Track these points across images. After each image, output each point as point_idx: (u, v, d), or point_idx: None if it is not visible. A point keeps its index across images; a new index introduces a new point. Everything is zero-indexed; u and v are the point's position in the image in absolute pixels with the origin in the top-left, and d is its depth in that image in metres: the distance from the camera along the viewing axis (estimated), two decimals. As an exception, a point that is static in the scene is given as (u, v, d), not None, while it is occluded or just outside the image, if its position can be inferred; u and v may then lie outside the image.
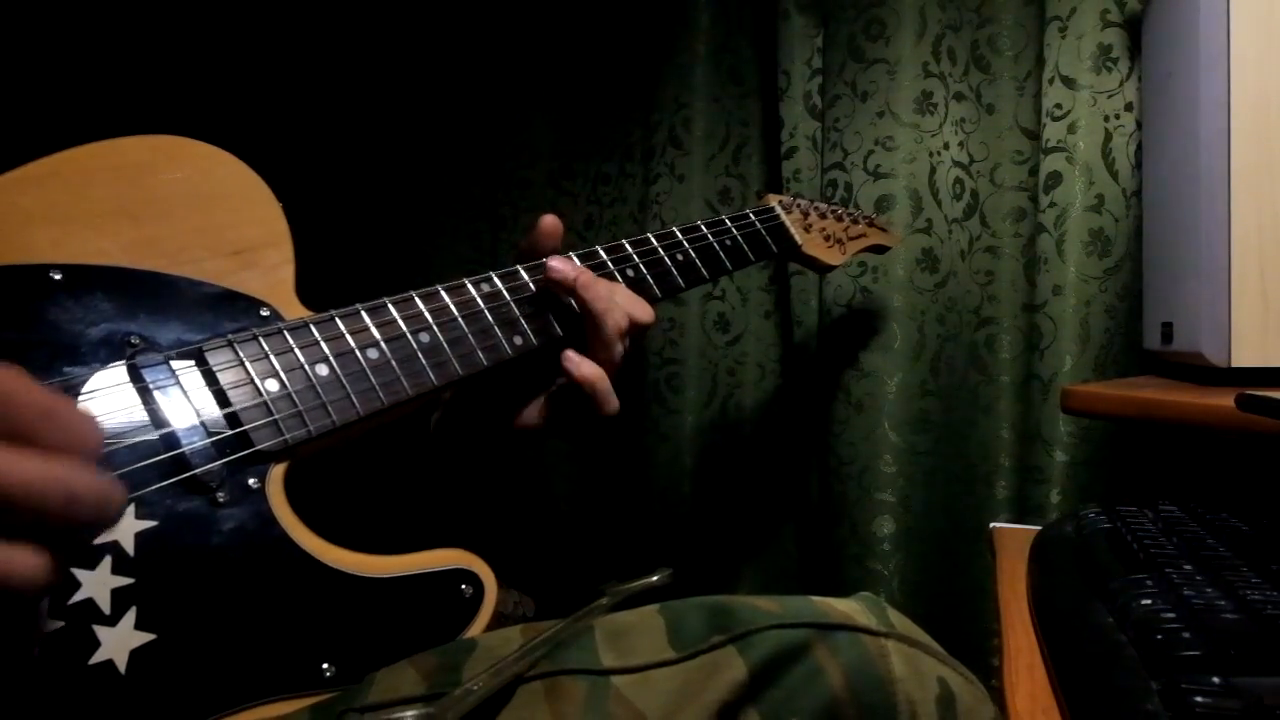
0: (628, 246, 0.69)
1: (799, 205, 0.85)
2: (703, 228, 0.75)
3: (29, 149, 0.50)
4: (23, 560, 0.29)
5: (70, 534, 0.31)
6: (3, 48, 1.00)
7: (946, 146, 1.07)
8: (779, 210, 0.82)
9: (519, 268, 0.63)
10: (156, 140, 0.53)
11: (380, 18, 1.38)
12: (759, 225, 0.79)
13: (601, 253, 0.68)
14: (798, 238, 0.83)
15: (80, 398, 0.45)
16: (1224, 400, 0.57)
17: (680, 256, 0.71)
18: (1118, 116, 0.99)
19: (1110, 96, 0.99)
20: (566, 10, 1.32)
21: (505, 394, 0.66)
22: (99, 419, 0.33)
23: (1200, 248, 0.69)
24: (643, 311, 0.64)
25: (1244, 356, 0.65)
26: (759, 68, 1.21)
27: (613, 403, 0.62)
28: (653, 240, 0.71)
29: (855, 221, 0.91)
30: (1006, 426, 1.07)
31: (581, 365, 0.61)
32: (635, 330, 0.63)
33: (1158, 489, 0.94)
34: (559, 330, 0.63)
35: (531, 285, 0.63)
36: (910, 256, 1.06)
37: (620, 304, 0.62)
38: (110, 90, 1.02)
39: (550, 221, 0.66)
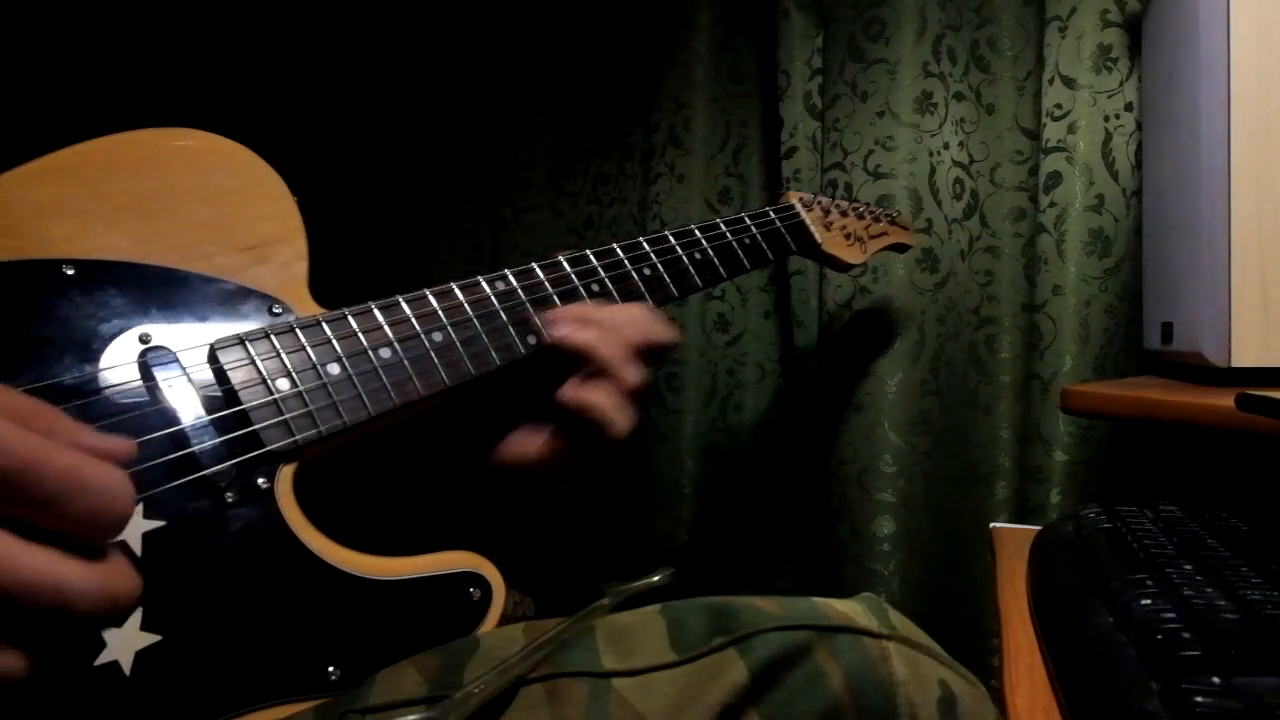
0: (645, 245, 0.68)
1: (820, 203, 0.84)
2: (722, 225, 0.73)
3: (44, 142, 0.49)
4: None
5: (64, 634, 0.30)
6: (18, 42, 0.99)
7: (946, 146, 1.07)
8: (799, 208, 0.81)
9: (534, 265, 0.62)
10: (171, 133, 0.53)
11: (381, 17, 1.38)
12: (779, 223, 0.78)
13: (619, 251, 0.67)
14: (818, 236, 0.82)
15: (92, 396, 0.45)
16: (1224, 400, 0.57)
17: (698, 255, 0.70)
18: (1118, 116, 0.99)
19: (1110, 96, 0.99)
20: (566, 10, 1.32)
21: (481, 423, 0.63)
22: (128, 483, 0.32)
23: (1200, 248, 0.69)
24: (655, 333, 0.60)
25: (1244, 356, 0.65)
26: (759, 68, 1.21)
27: (619, 425, 0.57)
28: (670, 239, 0.70)
29: (876, 220, 0.90)
30: (1006, 426, 1.07)
31: (580, 390, 0.57)
32: (648, 351, 0.59)
33: (1158, 489, 0.94)
34: None
35: (547, 284, 0.62)
36: (910, 256, 1.06)
37: (621, 333, 0.59)
38: (122, 85, 1.02)
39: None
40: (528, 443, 0.60)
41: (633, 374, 0.58)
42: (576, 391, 0.57)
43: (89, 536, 0.31)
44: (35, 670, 0.29)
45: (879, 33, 1.07)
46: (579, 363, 0.58)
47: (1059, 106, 1.01)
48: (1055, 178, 1.01)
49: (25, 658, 0.29)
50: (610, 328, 0.59)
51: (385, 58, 1.38)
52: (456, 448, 0.63)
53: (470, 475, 0.63)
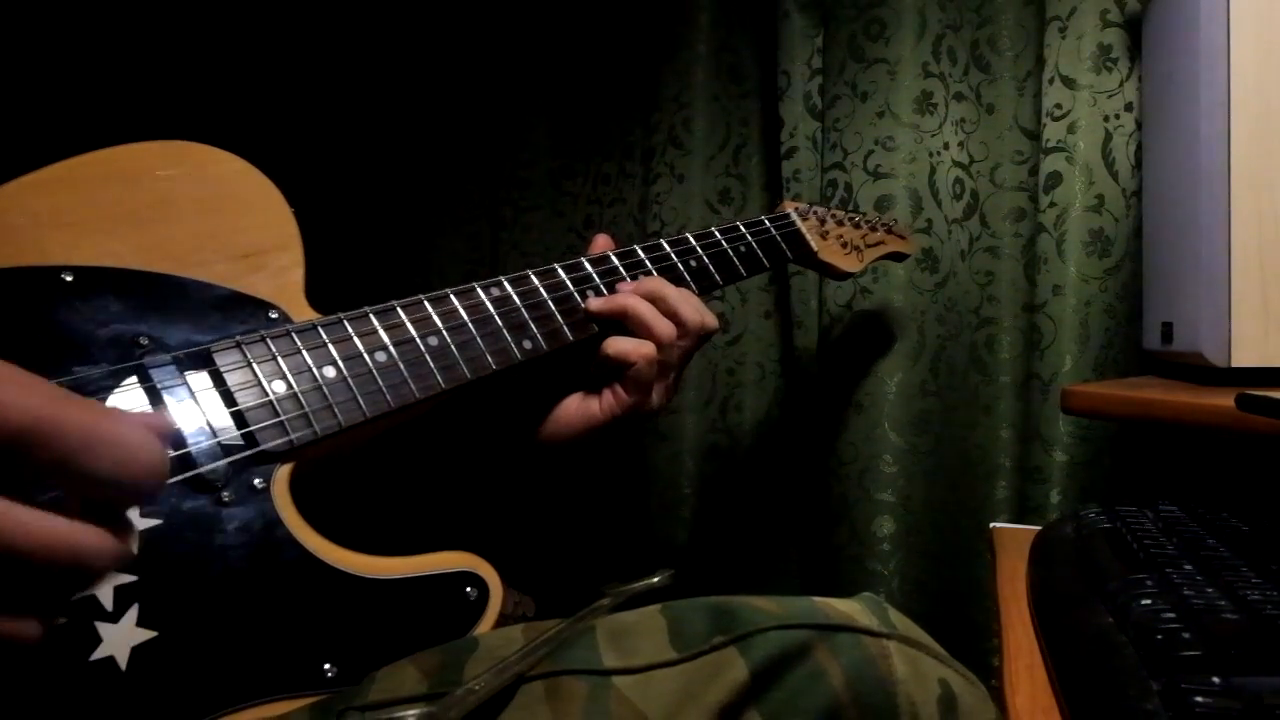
0: (640, 252, 0.69)
1: (815, 212, 0.85)
2: (717, 234, 0.74)
3: (42, 155, 0.50)
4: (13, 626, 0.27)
5: (71, 590, 0.29)
6: (15, 55, 1.00)
7: (946, 146, 1.07)
8: (795, 217, 0.82)
9: (529, 272, 0.63)
10: (168, 146, 0.54)
11: (381, 19, 1.38)
12: (774, 232, 0.79)
13: (614, 258, 0.68)
14: (814, 244, 0.82)
15: (90, 398, 0.45)
16: (1224, 400, 0.57)
17: (694, 263, 0.71)
18: (1118, 116, 0.99)
19: (1110, 96, 0.99)
20: (566, 10, 1.32)
21: (525, 406, 0.67)
22: (154, 439, 0.30)
23: (1200, 248, 0.69)
24: (703, 319, 0.67)
25: (1244, 356, 0.65)
26: (759, 68, 1.21)
27: (656, 388, 0.65)
28: (665, 246, 0.70)
29: (874, 229, 0.90)
30: (1006, 426, 1.07)
31: (622, 344, 0.64)
32: (691, 336, 0.66)
33: (1158, 489, 0.94)
34: (569, 336, 0.63)
35: (541, 290, 0.63)
36: (910, 257, 1.06)
37: (674, 312, 0.66)
38: (121, 97, 1.03)
39: (602, 241, 0.71)
40: (569, 412, 0.67)
41: (674, 348, 0.65)
42: (619, 345, 0.64)
43: (111, 499, 0.30)
44: (47, 635, 0.28)
45: (879, 33, 1.07)
46: (628, 328, 0.65)
47: (1059, 106, 1.01)
48: (1055, 178, 1.01)
49: (38, 622, 0.28)
50: (663, 302, 0.65)
51: (386, 58, 1.38)
52: (504, 429, 0.68)
53: (517, 455, 0.68)
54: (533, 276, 0.63)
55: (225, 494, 0.46)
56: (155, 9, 1.14)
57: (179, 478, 0.45)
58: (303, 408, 0.50)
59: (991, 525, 0.76)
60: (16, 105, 0.95)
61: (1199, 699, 0.31)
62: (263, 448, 0.48)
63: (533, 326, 0.61)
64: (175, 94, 1.10)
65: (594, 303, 0.64)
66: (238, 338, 0.50)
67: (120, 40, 1.11)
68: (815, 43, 1.14)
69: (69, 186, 0.50)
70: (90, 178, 0.51)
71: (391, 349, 0.54)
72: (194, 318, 0.50)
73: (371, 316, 0.55)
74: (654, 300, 0.65)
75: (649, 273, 0.68)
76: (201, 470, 0.46)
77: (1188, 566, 0.45)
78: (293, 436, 0.49)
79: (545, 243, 1.36)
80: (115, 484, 0.29)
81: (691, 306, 0.67)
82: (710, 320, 0.68)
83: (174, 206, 0.53)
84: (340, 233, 1.26)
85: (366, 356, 0.53)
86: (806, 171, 1.14)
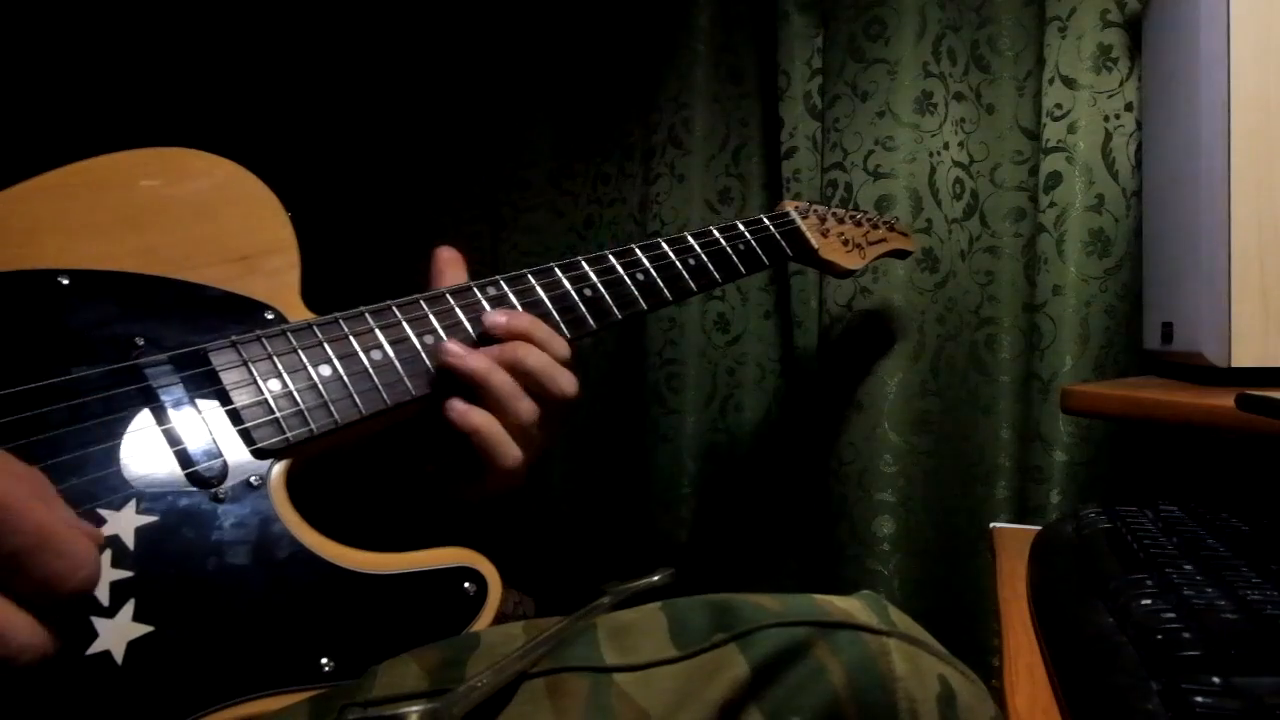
0: (638, 251, 0.69)
1: (816, 211, 0.85)
2: (715, 233, 0.74)
3: (39, 162, 0.51)
4: None
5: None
6: (12, 64, 1.00)
7: (946, 146, 1.07)
8: (795, 216, 0.83)
9: (527, 272, 0.63)
10: (163, 152, 0.55)
11: (380, 19, 1.38)
12: (774, 230, 0.79)
13: (611, 257, 0.67)
14: (814, 242, 0.83)
15: (86, 397, 0.45)
16: (1224, 400, 0.57)
17: (692, 261, 0.71)
18: (1118, 116, 0.99)
19: (1110, 96, 0.99)
20: (567, 10, 1.32)
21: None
22: (99, 552, 0.36)
23: (1200, 248, 0.69)
24: (565, 383, 0.57)
25: (1244, 356, 0.65)
26: (759, 68, 1.21)
27: (510, 454, 0.55)
28: (663, 245, 0.70)
29: (875, 226, 0.91)
30: (1006, 426, 1.07)
31: (469, 413, 0.54)
32: (545, 394, 0.57)
33: (1158, 489, 0.94)
34: (573, 330, 0.63)
35: (539, 289, 0.63)
36: (910, 257, 1.06)
37: (520, 365, 0.56)
38: (117, 103, 1.03)
39: (446, 256, 0.62)
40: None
41: (525, 410, 0.56)
42: (464, 415, 0.54)
43: (48, 599, 0.33)
44: None
45: (879, 33, 1.07)
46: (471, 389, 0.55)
47: (1059, 106, 1.01)
48: (1055, 178, 1.01)
49: None
50: (510, 359, 0.56)
51: (386, 59, 1.38)
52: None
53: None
54: (530, 276, 0.63)
55: (221, 491, 0.47)
56: (151, 10, 1.14)
57: (176, 476, 0.46)
58: (298, 405, 0.50)
59: (991, 525, 0.76)
60: (14, 112, 0.95)
61: (1199, 699, 0.31)
62: (259, 445, 0.48)
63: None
64: (173, 93, 1.10)
65: (451, 357, 0.55)
66: (233, 338, 0.51)
67: (116, 44, 1.11)
68: (815, 43, 1.14)
69: (66, 192, 0.51)
70: (87, 184, 0.52)
71: (387, 347, 0.55)
72: (190, 319, 0.51)
73: (367, 316, 0.55)
74: (512, 368, 0.56)
75: (645, 271, 0.68)
76: (199, 468, 0.46)
77: (1188, 566, 0.46)
78: (289, 434, 0.49)
79: (545, 243, 1.36)
80: (54, 589, 0.34)
81: (566, 379, 0.57)
82: (564, 384, 0.58)
83: (169, 211, 0.53)
84: (342, 234, 1.26)
85: (362, 355, 0.53)
86: (806, 171, 1.14)
